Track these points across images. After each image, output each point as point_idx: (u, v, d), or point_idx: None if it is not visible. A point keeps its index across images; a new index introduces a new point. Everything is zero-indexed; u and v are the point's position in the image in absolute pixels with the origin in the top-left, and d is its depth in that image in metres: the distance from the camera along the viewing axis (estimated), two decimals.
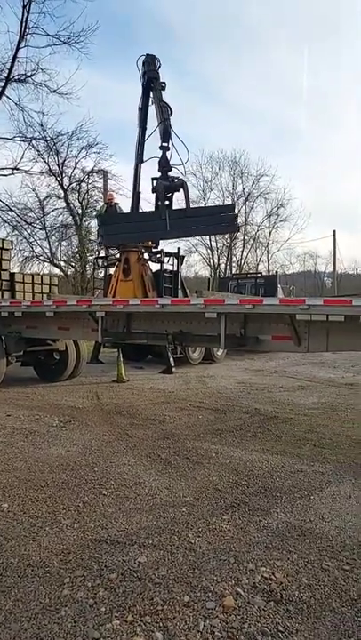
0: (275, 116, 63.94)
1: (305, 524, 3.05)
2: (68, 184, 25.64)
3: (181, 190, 9.06)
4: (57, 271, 26.63)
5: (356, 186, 76.02)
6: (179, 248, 12.75)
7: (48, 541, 2.78)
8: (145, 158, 10.11)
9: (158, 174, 8.98)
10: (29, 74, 18.92)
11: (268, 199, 35.99)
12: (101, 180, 24.46)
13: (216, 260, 36.05)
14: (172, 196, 9.08)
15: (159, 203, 8.91)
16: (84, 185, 25.91)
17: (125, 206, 12.20)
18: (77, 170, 25.39)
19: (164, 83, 9.51)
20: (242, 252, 36.35)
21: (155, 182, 8.91)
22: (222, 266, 35.98)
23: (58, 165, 24.82)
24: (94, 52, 23.97)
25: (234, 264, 35.67)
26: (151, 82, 9.59)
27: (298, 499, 3.47)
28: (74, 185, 25.86)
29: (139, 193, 11.01)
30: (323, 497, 3.51)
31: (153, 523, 3.04)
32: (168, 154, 8.92)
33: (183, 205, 9.03)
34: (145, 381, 9.19)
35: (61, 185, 25.48)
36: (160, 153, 9.04)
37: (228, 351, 12.44)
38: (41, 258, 26.96)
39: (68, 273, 27.06)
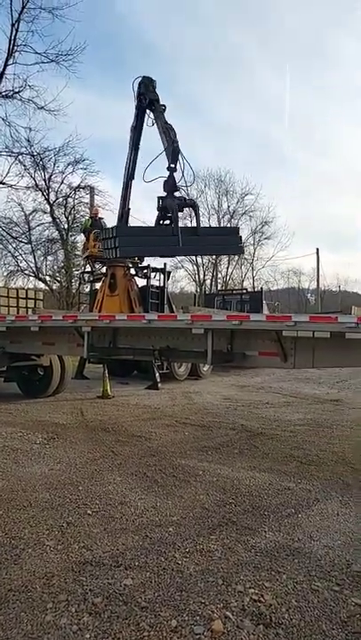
0: (259, 137, 65.44)
1: (293, 543, 3.02)
2: (54, 199, 25.64)
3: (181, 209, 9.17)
4: (42, 286, 26.43)
5: (339, 205, 77.84)
6: (165, 264, 12.78)
7: (30, 564, 2.69)
8: (149, 178, 10.10)
9: (159, 194, 9.13)
10: (17, 90, 18.98)
11: (252, 217, 36.42)
12: (88, 196, 24.54)
13: (202, 276, 36.21)
14: (173, 216, 9.23)
15: (162, 221, 9.02)
16: (70, 200, 25.95)
17: (111, 222, 12.25)
18: (64, 185, 25.42)
19: (165, 105, 9.68)
20: (227, 268, 36.63)
21: (161, 201, 9.01)
22: (208, 282, 36.15)
23: (44, 180, 24.84)
24: (82, 70, 24.20)
25: (219, 280, 35.88)
26: (152, 104, 9.71)
27: (286, 517, 3.43)
28: (60, 200, 25.87)
29: (128, 209, 11.13)
30: (311, 515, 3.48)
31: (139, 543, 2.96)
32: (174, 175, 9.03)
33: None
34: (130, 397, 9.10)
35: (47, 200, 25.46)
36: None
37: (214, 367, 12.42)
38: (26, 272, 26.76)
39: (54, 287, 26.85)
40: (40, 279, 26.92)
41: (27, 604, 2.31)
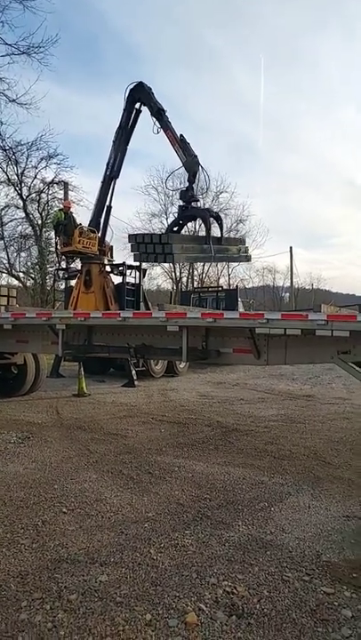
0: (235, 135, 65.88)
1: (266, 535, 3.09)
2: (27, 194, 25.24)
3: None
4: (15, 282, 25.99)
5: (312, 204, 79.14)
6: (141, 261, 12.78)
7: (5, 563, 2.68)
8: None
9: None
10: None
11: (227, 215, 36.48)
12: (62, 191, 24.24)
13: (178, 274, 36.22)
14: (184, 224, 9.91)
15: (175, 228, 9.55)
16: (43, 196, 25.59)
17: (84, 218, 12.15)
18: (37, 180, 25.07)
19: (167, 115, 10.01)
20: (203, 265, 36.76)
21: (183, 210, 9.47)
22: (184, 279, 36.20)
23: (17, 175, 24.43)
24: (56, 64, 23.92)
25: (195, 278, 35.97)
26: (160, 113, 9.93)
27: (259, 511, 3.51)
28: (33, 195, 25.48)
29: (110, 207, 11.18)
30: (283, 508, 3.57)
31: (114, 540, 2.99)
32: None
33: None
34: (107, 395, 9.07)
35: (20, 195, 25.05)
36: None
37: (191, 364, 12.49)
38: None
39: (28, 284, 26.45)
40: (13, 276, 26.48)
41: (0, 602, 2.31)
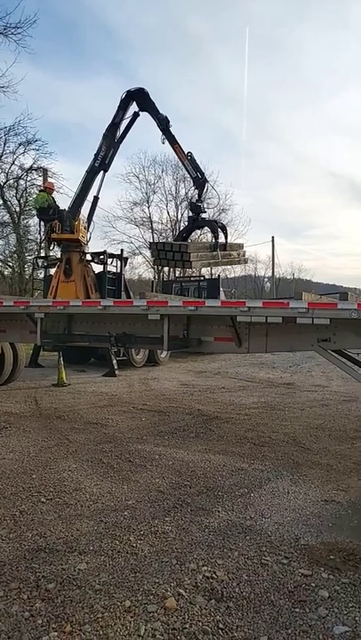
0: (217, 126, 65.49)
1: (245, 521, 3.11)
2: (4, 180, 24.68)
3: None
4: None
5: (293, 195, 79.58)
6: (122, 250, 12.68)
7: None
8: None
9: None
10: None
11: (209, 204, 36.42)
12: (41, 178, 23.76)
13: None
14: (193, 231, 10.98)
15: (184, 235, 10.61)
16: (22, 182, 25.08)
17: (63, 205, 11.89)
18: (15, 166, 24.52)
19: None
20: None
21: (194, 221, 10.36)
22: (166, 269, 36.03)
23: None
24: (34, 47, 23.23)
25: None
26: (167, 128, 10.04)
27: (239, 497, 3.53)
28: (11, 182, 24.93)
29: (97, 198, 11.09)
30: (262, 494, 3.60)
31: (94, 528, 2.96)
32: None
33: None
34: (87, 385, 9.00)
35: None
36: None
37: (172, 353, 12.48)
38: None
39: (5, 273, 26.00)
40: None
41: None
